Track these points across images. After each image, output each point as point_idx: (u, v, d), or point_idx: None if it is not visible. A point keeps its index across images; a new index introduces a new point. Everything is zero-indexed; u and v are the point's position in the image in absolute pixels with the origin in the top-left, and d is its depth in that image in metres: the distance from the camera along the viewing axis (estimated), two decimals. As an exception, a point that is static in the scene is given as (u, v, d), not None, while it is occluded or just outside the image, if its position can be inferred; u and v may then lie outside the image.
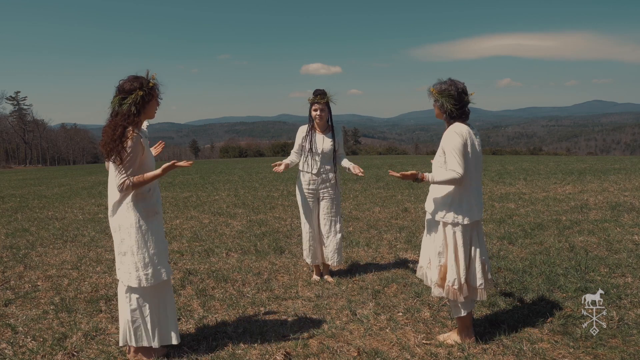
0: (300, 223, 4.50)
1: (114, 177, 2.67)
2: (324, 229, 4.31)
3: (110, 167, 2.72)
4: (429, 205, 2.97)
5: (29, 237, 6.66)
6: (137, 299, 2.79)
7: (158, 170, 2.69)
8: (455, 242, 2.86)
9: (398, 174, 2.87)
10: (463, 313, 2.92)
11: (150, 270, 2.72)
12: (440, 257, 2.91)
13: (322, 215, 4.31)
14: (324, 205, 4.31)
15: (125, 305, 2.82)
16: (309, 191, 4.29)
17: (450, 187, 2.85)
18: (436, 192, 2.94)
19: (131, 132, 2.63)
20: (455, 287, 2.85)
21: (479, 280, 2.89)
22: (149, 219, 2.74)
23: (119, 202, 2.72)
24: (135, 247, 2.70)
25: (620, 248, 4.85)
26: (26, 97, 73.31)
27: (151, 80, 2.71)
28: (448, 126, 2.90)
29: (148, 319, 2.80)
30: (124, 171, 2.64)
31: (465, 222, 2.83)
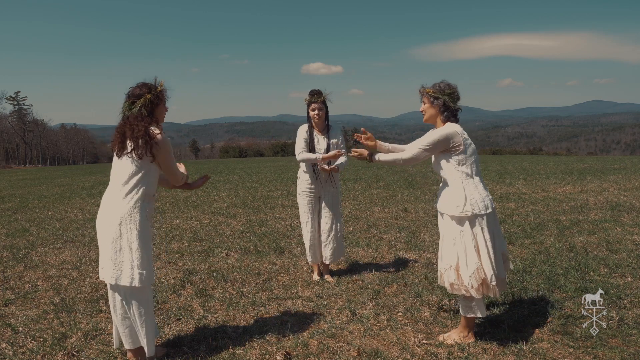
0: (300, 223, 4.51)
1: (170, 172, 2.87)
2: (325, 227, 4.32)
3: (124, 161, 2.72)
4: (444, 205, 2.93)
5: (29, 237, 6.66)
6: (128, 301, 2.75)
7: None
8: (484, 236, 2.82)
9: (355, 155, 3.26)
10: (477, 314, 2.90)
11: (144, 271, 2.70)
12: (476, 256, 2.81)
13: (323, 215, 4.32)
14: (325, 204, 4.31)
15: (118, 307, 2.79)
16: (310, 191, 4.29)
17: (459, 184, 2.87)
18: (448, 190, 2.93)
19: (158, 129, 2.73)
20: (494, 283, 2.79)
21: (504, 273, 2.91)
22: (148, 221, 2.77)
23: (127, 198, 2.69)
24: (135, 245, 2.68)
25: (620, 248, 4.85)
26: (26, 97, 73.43)
27: (159, 86, 2.82)
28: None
29: (139, 321, 2.77)
30: (175, 164, 2.87)
31: (484, 211, 2.82)
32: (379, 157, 3.13)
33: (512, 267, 3.05)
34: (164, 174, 2.90)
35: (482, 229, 2.83)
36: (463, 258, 2.85)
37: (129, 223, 2.68)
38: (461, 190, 2.87)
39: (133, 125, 2.69)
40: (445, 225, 2.96)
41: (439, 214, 3.03)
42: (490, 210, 2.85)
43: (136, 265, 2.68)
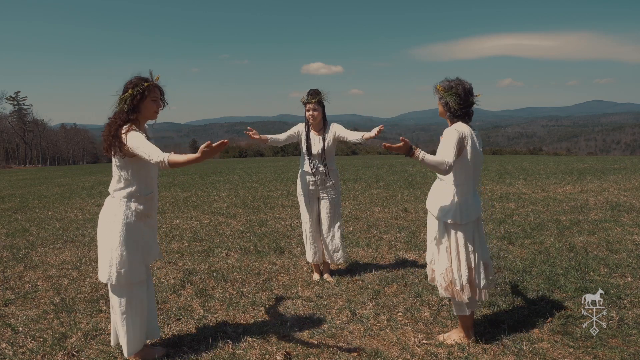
0: (300, 222, 4.51)
1: (150, 160, 2.51)
2: (325, 228, 4.32)
3: (113, 161, 2.77)
4: (430, 204, 3.00)
5: (29, 237, 6.66)
6: (113, 298, 2.77)
7: (196, 154, 2.44)
8: (457, 242, 2.87)
9: (393, 146, 2.61)
10: (467, 312, 2.93)
11: (122, 270, 2.69)
12: (447, 258, 2.90)
13: (323, 216, 4.32)
14: (324, 205, 4.31)
15: (112, 304, 2.83)
16: (309, 191, 4.30)
17: (451, 188, 2.87)
18: (437, 191, 2.96)
19: (127, 128, 2.64)
20: (457, 287, 2.86)
21: (482, 281, 2.90)
22: (137, 220, 2.74)
23: (113, 196, 2.75)
24: (115, 243, 2.69)
25: (620, 248, 4.85)
26: (26, 97, 73.35)
27: (147, 82, 2.71)
28: (450, 125, 2.91)
29: (120, 318, 2.78)
30: (147, 152, 2.51)
31: (464, 222, 2.84)
32: (424, 155, 2.64)
33: (491, 277, 3.02)
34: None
35: (455, 234, 2.86)
36: (436, 256, 2.97)
37: (112, 222, 2.71)
38: (445, 195, 2.89)
39: (110, 123, 2.70)
40: (428, 223, 3.06)
41: (428, 212, 3.08)
42: (472, 219, 2.86)
43: (114, 263, 2.69)
